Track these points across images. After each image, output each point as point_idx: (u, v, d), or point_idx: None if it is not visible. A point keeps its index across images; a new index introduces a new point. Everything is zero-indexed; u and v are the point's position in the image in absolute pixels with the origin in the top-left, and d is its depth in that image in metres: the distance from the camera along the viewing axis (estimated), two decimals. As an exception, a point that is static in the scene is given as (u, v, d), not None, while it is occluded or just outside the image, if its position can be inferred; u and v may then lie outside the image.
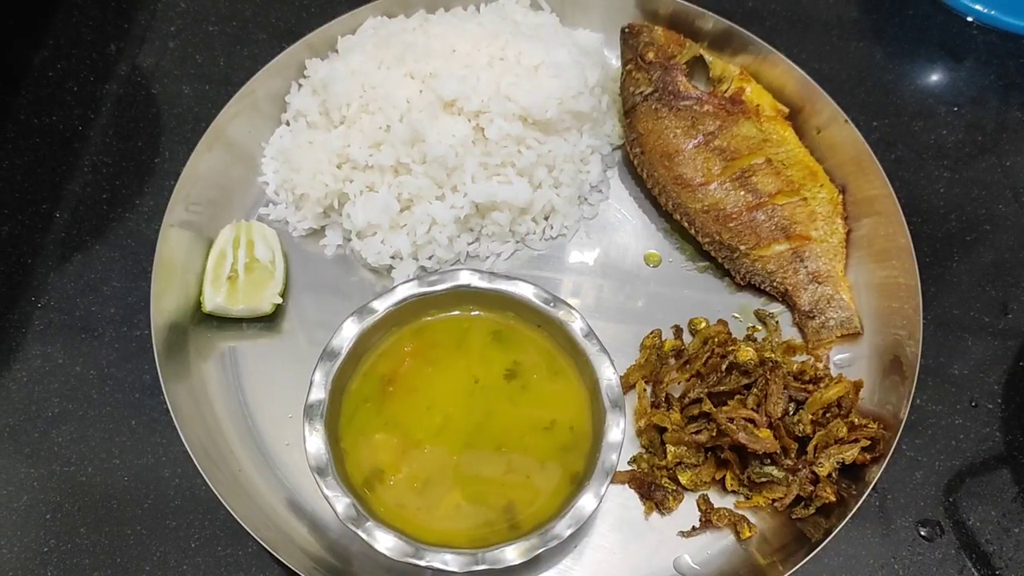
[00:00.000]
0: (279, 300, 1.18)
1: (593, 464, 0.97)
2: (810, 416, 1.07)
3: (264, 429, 1.12)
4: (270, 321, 1.19)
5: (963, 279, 1.25)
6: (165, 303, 1.13)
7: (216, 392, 1.14)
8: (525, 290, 1.06)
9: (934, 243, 1.28)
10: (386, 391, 1.04)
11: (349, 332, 1.03)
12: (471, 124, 1.19)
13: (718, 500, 1.09)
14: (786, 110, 1.30)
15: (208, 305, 1.15)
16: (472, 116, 1.19)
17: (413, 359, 1.05)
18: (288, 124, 1.31)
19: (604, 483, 0.96)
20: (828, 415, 1.09)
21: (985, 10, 1.28)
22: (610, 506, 1.09)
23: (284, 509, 1.08)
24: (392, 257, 1.22)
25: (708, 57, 1.33)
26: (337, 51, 1.31)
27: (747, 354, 1.10)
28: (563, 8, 1.38)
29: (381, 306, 1.05)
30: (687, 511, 1.09)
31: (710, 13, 1.34)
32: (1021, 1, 1.29)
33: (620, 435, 0.98)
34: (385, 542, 0.92)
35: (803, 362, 1.14)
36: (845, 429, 1.06)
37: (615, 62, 1.38)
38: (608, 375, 1.01)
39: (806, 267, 1.21)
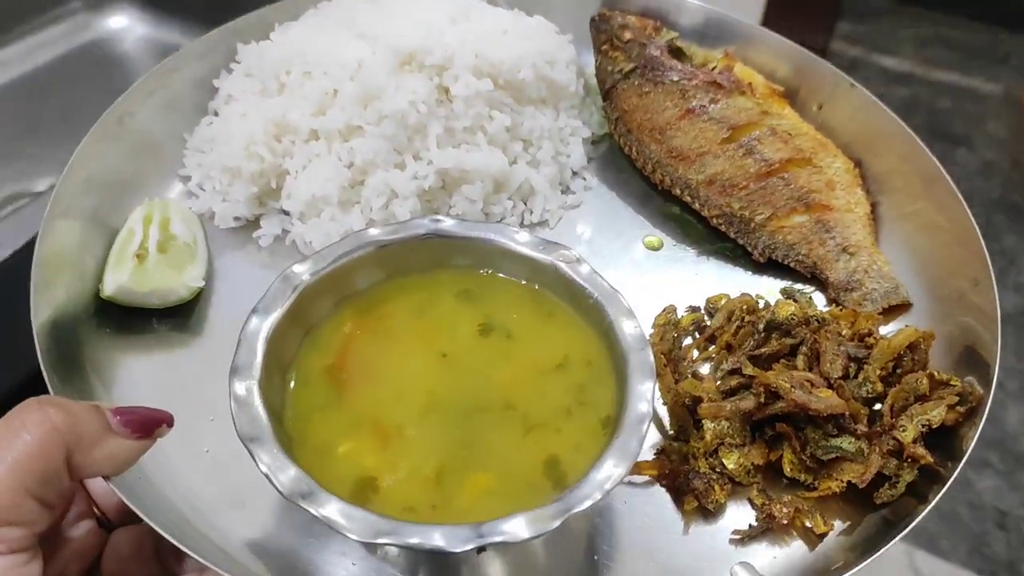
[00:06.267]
0: (201, 283, 0.93)
1: (622, 410, 0.72)
2: (878, 371, 0.85)
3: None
4: (186, 318, 0.94)
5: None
6: (56, 292, 0.89)
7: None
8: (507, 235, 0.83)
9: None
10: (339, 380, 0.76)
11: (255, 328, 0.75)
12: (434, 83, 1.02)
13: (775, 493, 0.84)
14: (781, 88, 1.16)
15: (108, 288, 0.89)
16: (435, 73, 1.02)
17: (361, 336, 0.79)
18: (216, 114, 1.11)
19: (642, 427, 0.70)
20: (900, 371, 0.87)
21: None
22: (635, 514, 0.82)
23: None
24: (342, 240, 0.99)
25: (686, 47, 1.21)
26: (271, 39, 1.14)
27: (787, 308, 0.89)
28: (523, 7, 1.25)
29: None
30: (735, 512, 0.83)
31: (684, -1, 1.23)
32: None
33: (650, 371, 0.73)
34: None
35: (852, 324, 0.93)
36: (927, 383, 0.84)
37: (585, 60, 1.24)
38: (624, 307, 0.77)
39: (833, 238, 1.02)
